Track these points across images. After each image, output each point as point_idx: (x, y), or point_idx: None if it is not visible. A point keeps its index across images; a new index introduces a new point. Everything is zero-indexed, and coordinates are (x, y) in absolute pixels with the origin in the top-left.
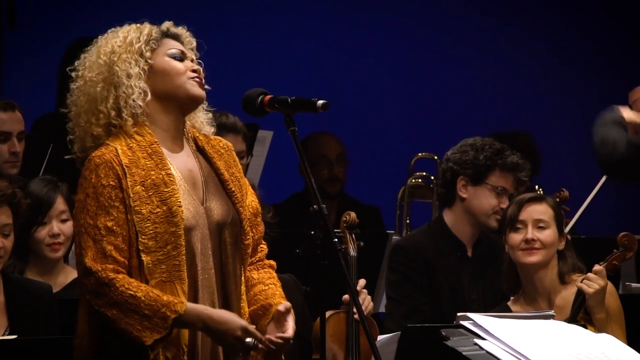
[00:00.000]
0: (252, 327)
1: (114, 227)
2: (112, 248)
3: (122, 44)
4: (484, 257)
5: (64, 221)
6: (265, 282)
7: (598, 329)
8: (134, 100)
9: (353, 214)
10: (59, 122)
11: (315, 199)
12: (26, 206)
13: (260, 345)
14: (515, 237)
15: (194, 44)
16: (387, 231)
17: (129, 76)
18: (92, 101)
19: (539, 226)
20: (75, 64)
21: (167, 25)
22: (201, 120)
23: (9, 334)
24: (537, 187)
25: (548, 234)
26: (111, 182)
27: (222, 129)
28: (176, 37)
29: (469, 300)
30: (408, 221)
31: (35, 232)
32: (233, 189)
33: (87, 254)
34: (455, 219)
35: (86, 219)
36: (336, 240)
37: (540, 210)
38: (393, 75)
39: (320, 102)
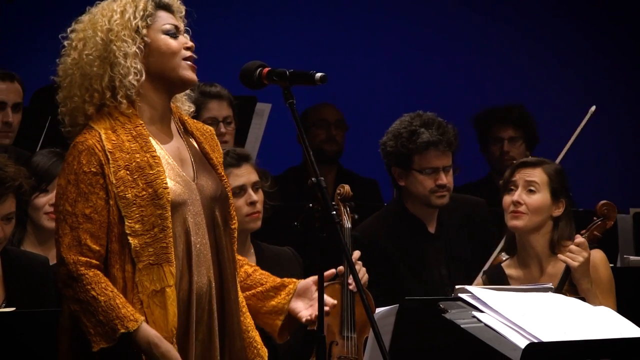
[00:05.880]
0: None
1: (92, 214)
2: (88, 236)
3: (119, 21)
4: (449, 227)
5: None
6: (249, 264)
7: (585, 299)
8: (129, 81)
9: (347, 187)
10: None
11: (313, 171)
12: (30, 187)
13: None
14: (507, 199)
15: (183, 11)
16: (385, 204)
17: (126, 56)
18: (87, 78)
19: (529, 189)
20: (68, 31)
21: None
22: (181, 96)
23: (6, 306)
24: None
25: (536, 198)
26: (92, 169)
27: (206, 96)
28: (168, 8)
29: (439, 275)
30: None
31: (36, 198)
32: (220, 172)
33: (63, 241)
34: (409, 201)
35: (65, 205)
36: (334, 212)
37: (533, 174)
38: (391, 49)
39: (319, 74)
